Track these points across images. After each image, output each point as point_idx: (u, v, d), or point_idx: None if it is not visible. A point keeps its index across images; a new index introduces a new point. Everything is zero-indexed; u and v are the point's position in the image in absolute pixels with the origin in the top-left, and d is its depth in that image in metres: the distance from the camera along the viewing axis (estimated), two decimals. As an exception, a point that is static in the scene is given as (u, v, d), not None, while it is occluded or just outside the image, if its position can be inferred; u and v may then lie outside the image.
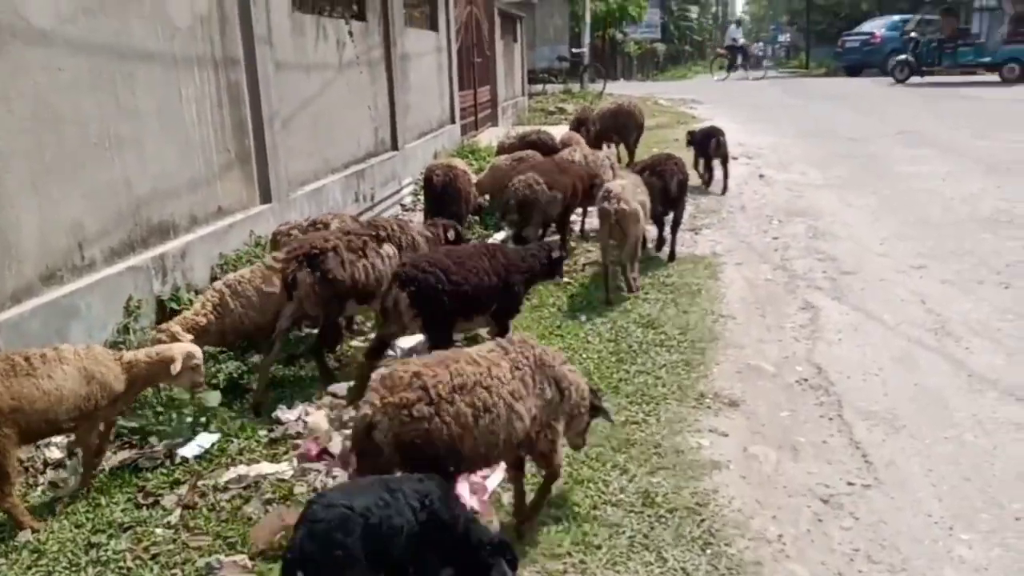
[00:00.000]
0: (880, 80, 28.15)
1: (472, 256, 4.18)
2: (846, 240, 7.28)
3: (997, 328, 5.03)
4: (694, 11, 56.80)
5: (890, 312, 5.39)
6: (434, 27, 11.95)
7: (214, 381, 4.28)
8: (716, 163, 9.44)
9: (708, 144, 9.24)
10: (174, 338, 3.90)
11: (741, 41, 34.75)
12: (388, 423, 2.52)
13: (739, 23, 41.00)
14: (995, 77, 23.44)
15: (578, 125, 10.86)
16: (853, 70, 32.29)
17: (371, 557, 2.11)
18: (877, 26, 32.48)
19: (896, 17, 33.32)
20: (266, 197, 6.15)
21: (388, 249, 4.56)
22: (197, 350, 3.60)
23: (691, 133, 9.84)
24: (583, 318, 5.35)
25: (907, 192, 9.20)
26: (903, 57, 25.69)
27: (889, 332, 5.06)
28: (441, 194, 6.82)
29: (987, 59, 24.01)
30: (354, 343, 5.00)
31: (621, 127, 10.94)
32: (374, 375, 2.69)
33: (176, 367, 3.39)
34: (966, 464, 3.49)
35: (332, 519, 2.11)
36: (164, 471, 3.57)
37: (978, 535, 3.00)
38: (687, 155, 8.64)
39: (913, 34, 25.65)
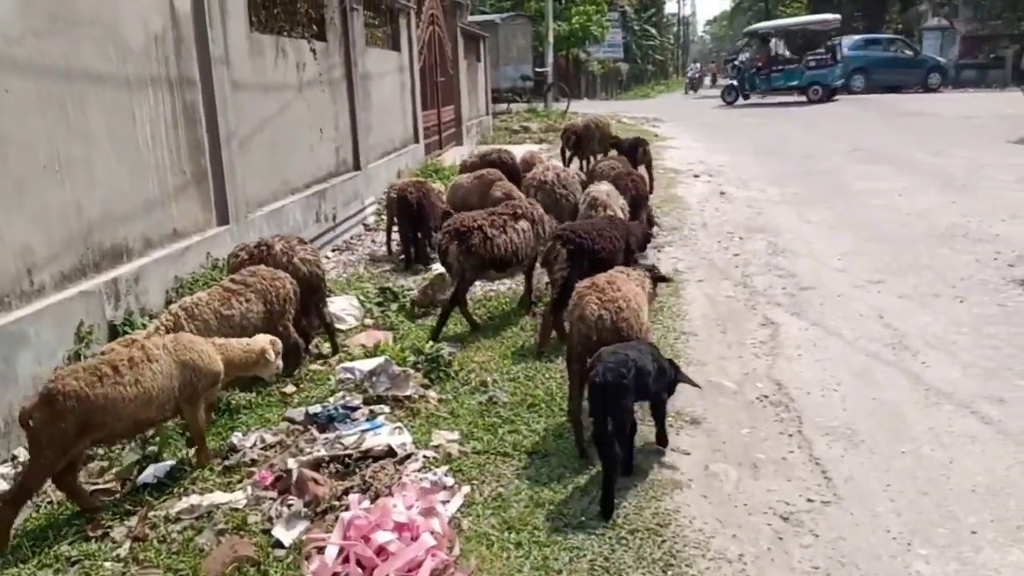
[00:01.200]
0: (845, 98, 28.74)
1: (606, 227, 5.45)
2: (805, 256, 7.36)
3: (953, 341, 5.10)
4: (655, 32, 57.50)
5: (849, 327, 5.44)
6: (396, 47, 11.95)
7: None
8: (642, 169, 9.94)
9: (636, 152, 10.28)
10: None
11: (698, 74, 43.08)
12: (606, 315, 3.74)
13: (696, 61, 51.64)
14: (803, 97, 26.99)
15: (577, 140, 11.83)
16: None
17: (637, 387, 3.38)
18: (844, 46, 33.16)
19: (858, 37, 34.07)
20: (223, 219, 6.06)
21: (523, 224, 5.61)
22: (277, 341, 4.03)
23: (617, 142, 11.04)
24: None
25: (863, 208, 9.36)
26: (730, 83, 29.06)
27: (848, 347, 5.11)
28: (417, 209, 7.25)
29: (795, 83, 27.40)
30: (313, 366, 4.92)
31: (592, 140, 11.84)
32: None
33: (271, 355, 3.87)
34: (923, 478, 3.52)
35: (619, 361, 3.35)
36: (114, 502, 3.47)
37: (935, 549, 3.02)
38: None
39: (737, 63, 27.17)
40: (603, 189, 6.66)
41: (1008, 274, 6.43)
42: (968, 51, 37.47)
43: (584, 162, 12.24)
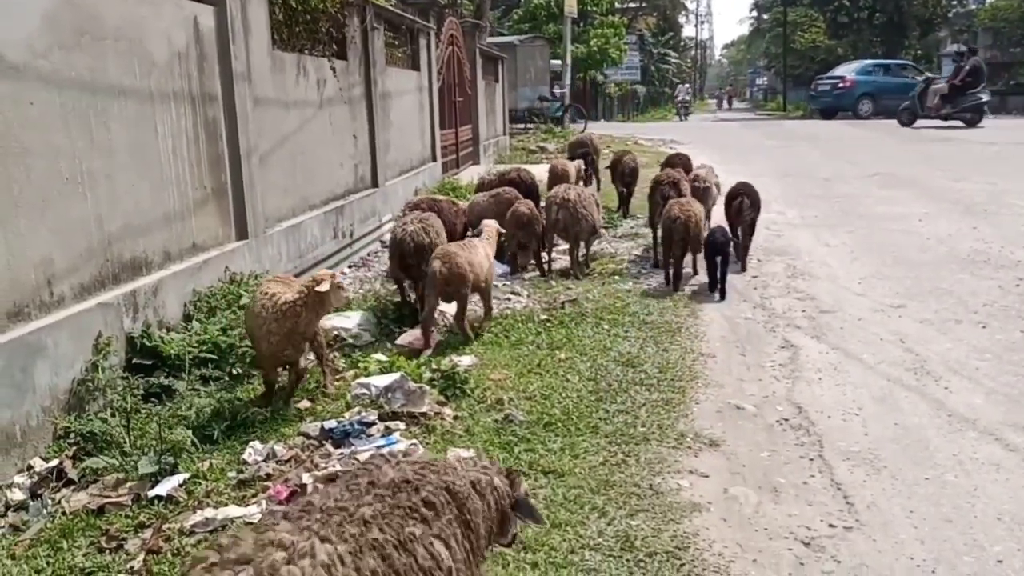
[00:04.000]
0: (855, 122, 28.68)
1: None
2: (825, 279, 7.31)
3: (975, 367, 5.03)
4: (673, 55, 57.72)
5: (869, 351, 5.38)
6: (416, 67, 12.03)
7: (186, 414, 4.19)
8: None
9: (587, 155, 12.14)
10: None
11: (688, 98, 43.72)
12: None
13: (683, 81, 53.52)
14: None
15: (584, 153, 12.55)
16: (827, 113, 32.92)
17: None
18: (848, 70, 33.20)
19: (868, 62, 34.03)
20: (242, 233, 6.09)
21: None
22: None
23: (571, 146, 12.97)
24: (562, 356, 5.30)
25: (883, 232, 9.30)
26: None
27: (869, 371, 5.05)
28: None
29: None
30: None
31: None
32: None
33: (324, 286, 4.22)
34: (947, 505, 3.45)
35: (721, 230, 6.88)
36: (129, 514, 3.46)
37: (961, 579, 2.95)
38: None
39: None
40: (703, 170, 8.91)
41: (1031, 300, 6.35)
42: (987, 77, 37.34)
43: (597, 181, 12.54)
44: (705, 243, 6.86)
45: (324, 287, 4.22)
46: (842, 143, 20.63)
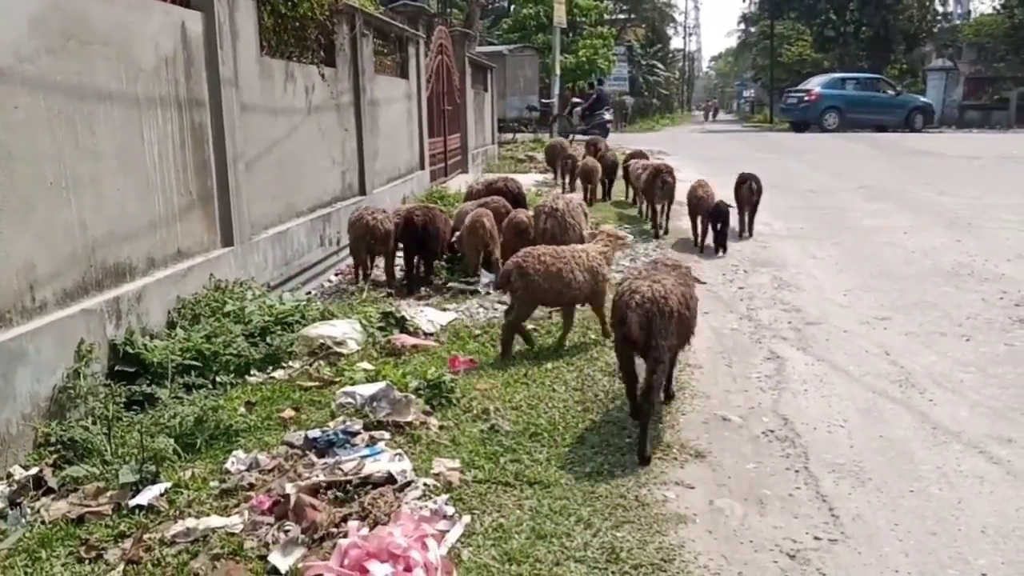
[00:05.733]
0: (840, 135, 28.90)
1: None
2: (811, 291, 7.33)
3: (960, 380, 5.06)
4: (661, 67, 57.98)
5: (855, 363, 5.40)
6: (404, 75, 12.03)
7: (169, 422, 4.14)
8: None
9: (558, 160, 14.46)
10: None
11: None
12: None
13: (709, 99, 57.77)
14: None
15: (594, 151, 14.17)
16: (797, 126, 33.02)
17: None
18: (815, 83, 33.35)
19: (837, 75, 34.19)
20: (228, 240, 6.05)
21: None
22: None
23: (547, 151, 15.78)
24: (549, 366, 5.28)
25: (869, 244, 9.35)
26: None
27: (854, 383, 5.06)
28: (423, 232, 7.42)
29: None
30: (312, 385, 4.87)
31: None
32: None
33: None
34: (932, 518, 3.46)
35: (723, 203, 8.85)
36: (109, 523, 3.41)
37: (946, 592, 2.95)
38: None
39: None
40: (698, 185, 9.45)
41: (1014, 314, 6.39)
42: (971, 92, 37.80)
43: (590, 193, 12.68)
44: (712, 212, 8.95)
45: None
46: (829, 155, 20.76)
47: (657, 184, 9.73)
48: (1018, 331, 5.98)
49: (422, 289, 7.41)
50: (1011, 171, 16.51)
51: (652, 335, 3.98)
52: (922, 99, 33.25)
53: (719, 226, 8.92)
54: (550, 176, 16.16)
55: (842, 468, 3.92)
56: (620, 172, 13.19)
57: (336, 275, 8.21)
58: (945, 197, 12.76)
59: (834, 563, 3.14)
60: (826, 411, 4.63)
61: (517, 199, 8.90)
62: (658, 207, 10.16)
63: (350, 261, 8.72)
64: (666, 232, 10.22)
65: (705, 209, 9.04)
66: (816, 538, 3.32)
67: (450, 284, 7.51)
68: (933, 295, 7.04)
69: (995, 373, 5.16)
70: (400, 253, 7.71)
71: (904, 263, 8.33)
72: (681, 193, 9.88)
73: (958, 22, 45.76)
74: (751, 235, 9.86)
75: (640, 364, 4.12)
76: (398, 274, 7.81)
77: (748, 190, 9.58)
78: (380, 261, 7.76)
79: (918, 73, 43.88)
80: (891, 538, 3.31)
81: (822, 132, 30.21)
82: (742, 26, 69.41)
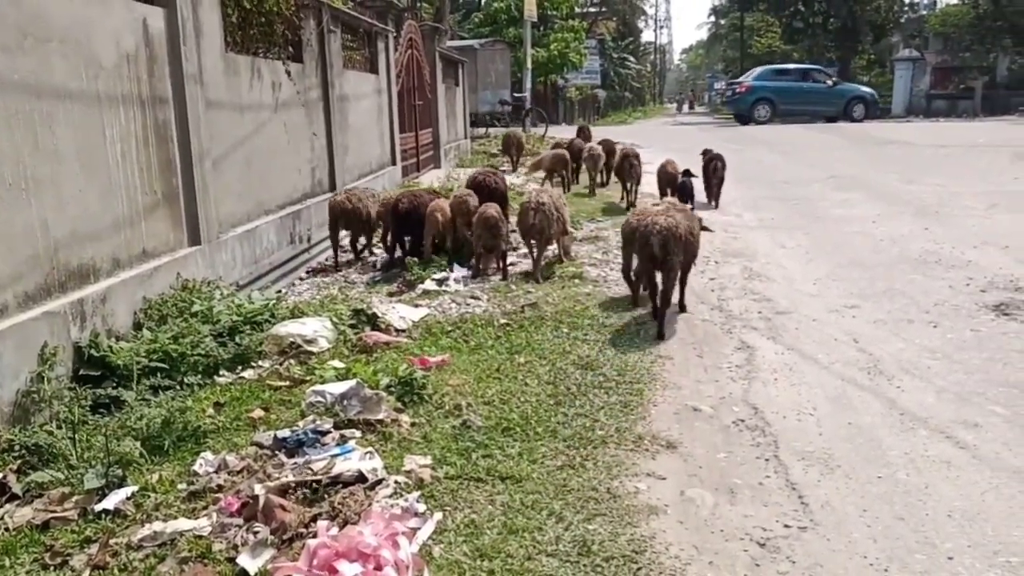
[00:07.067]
0: (813, 126, 29.13)
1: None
2: (781, 281, 7.39)
3: (927, 367, 5.12)
4: (633, 60, 58.15)
5: (824, 352, 5.44)
6: (374, 70, 11.95)
7: (136, 425, 4.08)
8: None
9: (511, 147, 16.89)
10: None
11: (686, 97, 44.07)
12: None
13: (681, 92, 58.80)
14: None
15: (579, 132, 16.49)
16: (740, 118, 33.27)
17: None
18: (748, 76, 33.65)
19: (771, 67, 34.54)
20: (195, 239, 5.98)
21: None
22: None
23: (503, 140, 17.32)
24: (521, 360, 5.28)
25: (838, 233, 9.44)
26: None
27: (823, 371, 5.11)
28: (405, 217, 8.04)
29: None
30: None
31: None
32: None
33: None
34: (899, 503, 3.49)
35: (689, 176, 10.85)
36: (75, 529, 3.36)
37: (913, 576, 2.99)
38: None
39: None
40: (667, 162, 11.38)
41: (980, 300, 6.48)
42: (938, 82, 38.29)
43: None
44: (680, 187, 10.50)
45: None
46: (798, 147, 20.93)
47: (625, 167, 11.38)
48: (984, 317, 6.07)
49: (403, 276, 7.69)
50: (976, 159, 16.74)
51: (668, 253, 5.63)
52: (863, 89, 33.32)
53: (687, 201, 9.83)
54: (523, 171, 16.15)
55: (811, 456, 3.95)
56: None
57: (307, 272, 8.16)
58: (913, 186, 12.92)
59: (804, 550, 3.16)
60: (795, 399, 4.66)
61: (494, 192, 8.78)
62: (628, 185, 11.60)
63: (321, 258, 8.69)
64: (635, 205, 10.89)
65: (672, 179, 10.81)
66: (786, 526, 3.34)
67: (423, 286, 7.39)
68: (901, 283, 7.12)
69: (961, 359, 5.23)
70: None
71: (873, 251, 8.42)
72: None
73: (924, 12, 46.30)
74: (717, 206, 11.40)
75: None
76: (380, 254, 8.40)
77: (714, 168, 11.30)
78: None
79: (886, 63, 44.39)
80: (860, 524, 3.34)
81: (756, 125, 30.47)
82: (712, 18, 69.87)
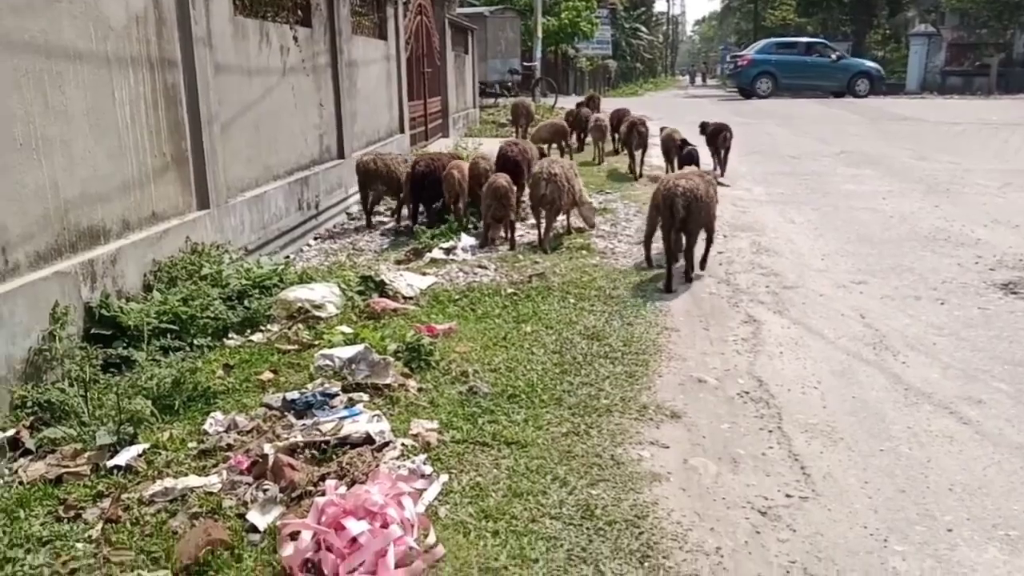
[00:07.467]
0: (825, 100, 28.86)
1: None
2: (789, 256, 7.38)
3: (933, 343, 5.13)
4: (645, 30, 57.57)
5: (830, 326, 5.46)
6: (383, 36, 11.87)
7: (146, 384, 4.13)
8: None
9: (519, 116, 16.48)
10: None
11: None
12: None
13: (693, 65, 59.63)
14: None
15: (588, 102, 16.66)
16: (744, 92, 32.92)
17: None
18: (752, 49, 33.22)
19: (774, 40, 34.09)
20: (204, 203, 5.99)
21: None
22: None
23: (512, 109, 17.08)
24: (528, 329, 5.30)
25: (848, 209, 9.40)
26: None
27: (829, 346, 5.12)
28: (421, 180, 8.24)
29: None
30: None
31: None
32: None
33: None
34: (901, 476, 3.52)
35: (693, 148, 10.43)
36: (87, 484, 3.42)
37: (912, 546, 3.02)
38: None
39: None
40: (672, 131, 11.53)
41: (988, 278, 6.47)
42: (954, 58, 37.81)
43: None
44: (683, 157, 10.27)
45: None
46: (810, 121, 20.78)
47: (633, 135, 11.88)
48: (992, 295, 6.06)
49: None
50: (989, 137, 16.61)
51: (690, 213, 6.11)
52: (868, 64, 32.87)
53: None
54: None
55: (815, 428, 3.98)
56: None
57: (315, 239, 8.17)
58: (925, 162, 12.84)
59: (804, 519, 3.20)
60: (801, 373, 4.69)
61: (516, 164, 8.56)
62: (636, 154, 12.02)
63: (329, 225, 8.71)
64: (641, 175, 11.92)
65: (676, 147, 10.88)
66: (788, 495, 3.38)
67: (431, 255, 7.37)
68: (909, 259, 7.11)
69: (968, 336, 5.24)
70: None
71: (882, 228, 8.40)
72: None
73: (941, -13, 45.59)
74: (723, 174, 11.52)
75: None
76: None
77: (723, 138, 11.47)
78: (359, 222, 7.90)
79: (901, 38, 43.82)
80: (861, 495, 3.37)
81: (758, 99, 30.18)
82: (726, -10, 68.93)
